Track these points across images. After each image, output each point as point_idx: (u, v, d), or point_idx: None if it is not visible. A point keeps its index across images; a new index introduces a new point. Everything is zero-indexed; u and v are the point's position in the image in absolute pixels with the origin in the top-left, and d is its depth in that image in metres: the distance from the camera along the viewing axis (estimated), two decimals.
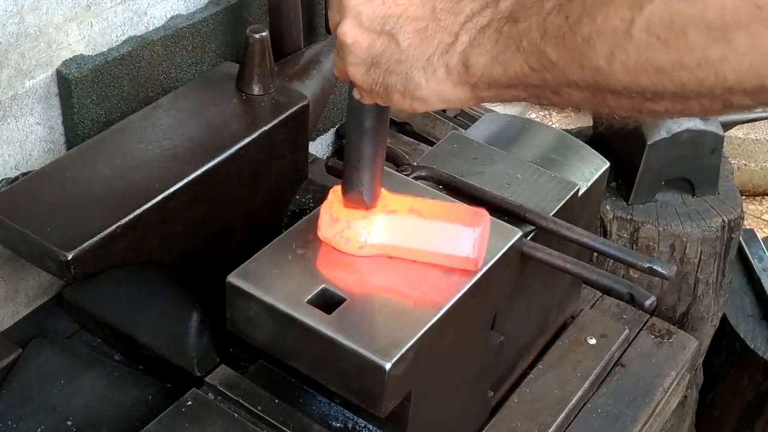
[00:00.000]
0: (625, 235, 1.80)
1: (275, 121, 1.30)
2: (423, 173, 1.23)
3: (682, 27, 0.64)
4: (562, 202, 1.24)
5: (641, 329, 1.50)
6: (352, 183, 1.01)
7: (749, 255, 2.21)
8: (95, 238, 1.08)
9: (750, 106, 0.67)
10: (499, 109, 2.42)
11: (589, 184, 1.32)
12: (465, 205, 1.09)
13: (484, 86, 0.78)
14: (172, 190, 1.17)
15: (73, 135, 1.37)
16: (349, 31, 0.83)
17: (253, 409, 1.10)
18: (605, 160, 1.37)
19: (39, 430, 1.20)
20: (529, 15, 0.73)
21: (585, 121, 2.93)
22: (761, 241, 2.26)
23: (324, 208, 1.04)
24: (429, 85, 0.80)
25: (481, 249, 1.02)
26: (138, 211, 1.13)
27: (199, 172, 1.20)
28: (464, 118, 2.18)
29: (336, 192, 1.04)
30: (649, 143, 1.73)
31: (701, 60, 0.64)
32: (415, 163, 1.26)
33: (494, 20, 0.76)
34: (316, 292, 1.00)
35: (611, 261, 1.57)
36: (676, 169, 1.79)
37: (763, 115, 2.00)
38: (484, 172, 1.26)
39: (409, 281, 1.02)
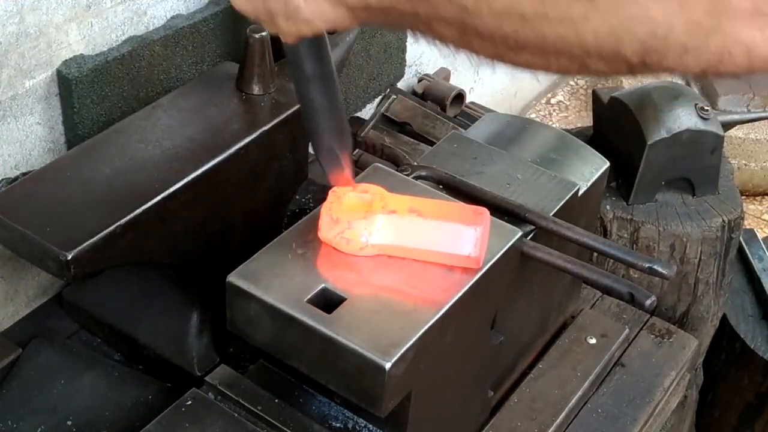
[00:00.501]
0: (625, 235, 1.80)
1: (275, 121, 1.30)
2: (423, 173, 1.23)
3: None
4: (562, 202, 1.24)
5: (641, 329, 1.50)
6: (318, 141, 0.99)
7: (749, 255, 2.21)
8: (95, 238, 1.08)
9: (605, 73, 0.67)
10: (499, 109, 2.42)
11: (589, 184, 1.32)
12: (465, 204, 1.09)
13: (360, 8, 0.78)
14: (172, 190, 1.17)
15: (73, 135, 1.37)
16: None
17: (253, 409, 1.10)
18: (605, 160, 1.37)
19: (39, 430, 1.20)
20: None
21: (585, 121, 2.93)
22: (761, 241, 2.26)
23: (324, 209, 1.04)
24: (309, 6, 0.80)
25: (482, 247, 1.03)
26: (138, 211, 1.13)
27: (199, 172, 1.20)
28: (464, 118, 2.18)
29: (336, 193, 1.04)
30: (649, 143, 1.72)
31: (564, 15, 0.64)
32: (415, 163, 1.25)
33: None
34: (315, 291, 1.00)
35: (611, 261, 1.57)
36: (676, 169, 1.79)
37: (763, 115, 2.01)
38: (484, 172, 1.26)
39: (409, 281, 1.02)
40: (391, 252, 1.03)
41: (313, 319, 0.97)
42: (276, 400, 1.11)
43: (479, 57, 0.72)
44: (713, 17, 0.59)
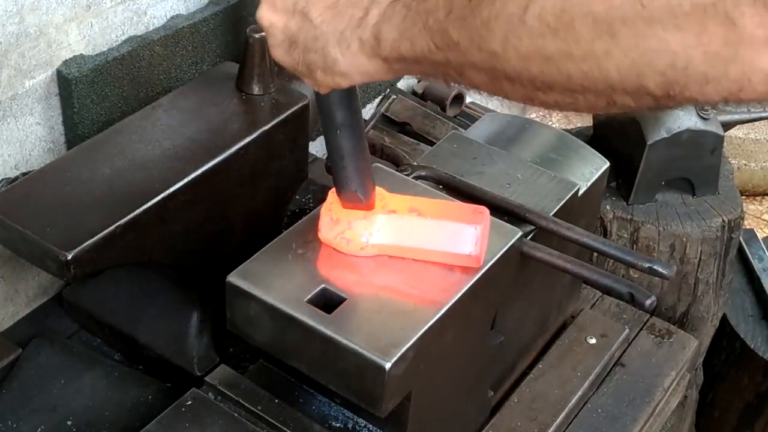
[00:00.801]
0: (625, 235, 1.80)
1: (275, 121, 1.30)
2: (423, 173, 1.23)
3: (571, 17, 0.65)
4: (562, 202, 1.24)
5: (641, 329, 1.50)
6: (342, 182, 1.01)
7: (749, 255, 2.21)
8: (95, 238, 1.08)
9: (633, 108, 0.69)
10: (500, 109, 2.42)
11: (589, 184, 1.32)
12: (465, 203, 1.09)
13: (394, 60, 0.79)
14: (172, 190, 1.17)
15: (73, 135, 1.37)
16: (264, 15, 0.86)
17: (253, 408, 1.10)
18: (605, 160, 1.37)
19: (39, 430, 1.20)
20: None
21: (585, 121, 2.92)
22: (761, 241, 2.26)
23: (324, 209, 1.04)
24: (346, 59, 0.82)
25: (482, 246, 1.03)
26: (138, 211, 1.13)
27: (199, 172, 1.20)
28: (464, 118, 2.18)
29: (335, 193, 1.04)
30: (649, 143, 1.72)
31: (587, 52, 0.65)
32: (415, 163, 1.26)
33: None
34: (316, 291, 1.00)
35: (611, 261, 1.57)
36: (676, 169, 1.79)
37: (764, 114, 2.00)
38: (484, 172, 1.26)
39: (409, 281, 1.02)
40: (392, 252, 1.03)
41: (313, 319, 0.97)
42: (276, 400, 1.11)
43: (511, 100, 0.74)
44: (730, 47, 0.60)
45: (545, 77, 0.69)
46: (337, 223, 1.02)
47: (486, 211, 1.04)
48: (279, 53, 0.87)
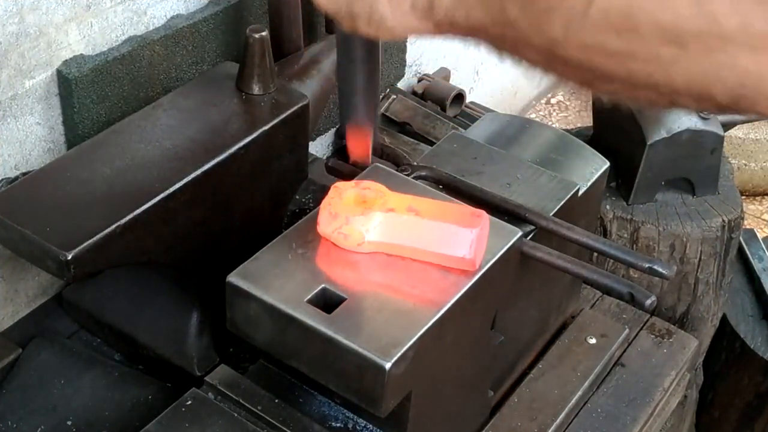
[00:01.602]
0: (625, 235, 1.80)
1: (275, 121, 1.30)
2: (423, 173, 1.23)
3: (637, 20, 0.63)
4: (562, 202, 1.24)
5: (641, 329, 1.50)
6: (350, 114, 1.05)
7: (749, 255, 2.21)
8: (95, 238, 1.08)
9: (694, 109, 0.67)
10: (499, 109, 2.42)
11: (589, 184, 1.32)
12: (464, 205, 1.09)
13: (446, 26, 0.77)
14: (172, 190, 1.17)
15: (73, 135, 1.37)
16: None
17: (253, 408, 1.10)
18: (605, 160, 1.37)
19: (39, 430, 1.20)
20: None
21: (585, 121, 2.93)
22: (761, 241, 2.26)
23: (324, 204, 1.04)
24: (394, 18, 0.80)
25: (478, 250, 1.03)
26: (138, 211, 1.13)
27: (199, 172, 1.20)
28: (464, 118, 2.18)
29: (336, 188, 1.04)
30: (649, 143, 1.72)
31: (652, 56, 0.64)
32: (415, 163, 1.26)
33: None
34: (316, 291, 1.00)
35: (611, 261, 1.57)
36: (676, 169, 1.79)
37: None
38: (484, 172, 1.26)
39: (409, 281, 1.02)
40: (388, 250, 1.03)
41: (313, 319, 0.97)
42: (276, 400, 1.11)
43: (567, 81, 0.73)
44: None
45: (606, 69, 0.67)
46: (336, 217, 1.02)
47: (485, 214, 1.04)
48: None
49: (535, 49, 0.71)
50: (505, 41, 0.73)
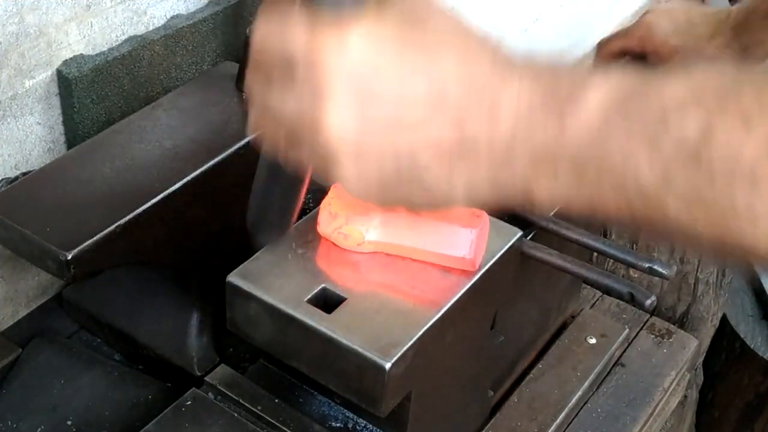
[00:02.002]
0: (625, 235, 1.80)
1: None
2: None
3: None
4: None
5: (641, 329, 1.50)
6: (256, 227, 1.02)
7: None
8: (95, 238, 1.08)
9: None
10: None
11: None
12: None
13: (545, 209, 0.65)
14: (172, 190, 1.17)
15: (73, 135, 1.37)
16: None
17: (253, 408, 1.10)
18: None
19: (39, 430, 1.20)
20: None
21: None
22: None
23: (324, 204, 1.04)
24: (471, 198, 0.68)
25: (478, 250, 1.03)
26: (138, 211, 1.13)
27: (199, 171, 1.20)
28: None
29: (336, 188, 1.04)
30: None
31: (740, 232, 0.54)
32: None
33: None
34: (316, 291, 1.00)
35: (611, 261, 1.57)
36: None
37: None
38: None
39: (409, 281, 1.02)
40: (388, 250, 1.03)
41: (313, 319, 0.97)
42: (276, 400, 1.11)
43: (704, 255, 0.67)
44: None
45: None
46: (335, 217, 1.02)
47: (484, 214, 1.04)
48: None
49: (693, 242, 0.58)
50: (631, 222, 0.59)
